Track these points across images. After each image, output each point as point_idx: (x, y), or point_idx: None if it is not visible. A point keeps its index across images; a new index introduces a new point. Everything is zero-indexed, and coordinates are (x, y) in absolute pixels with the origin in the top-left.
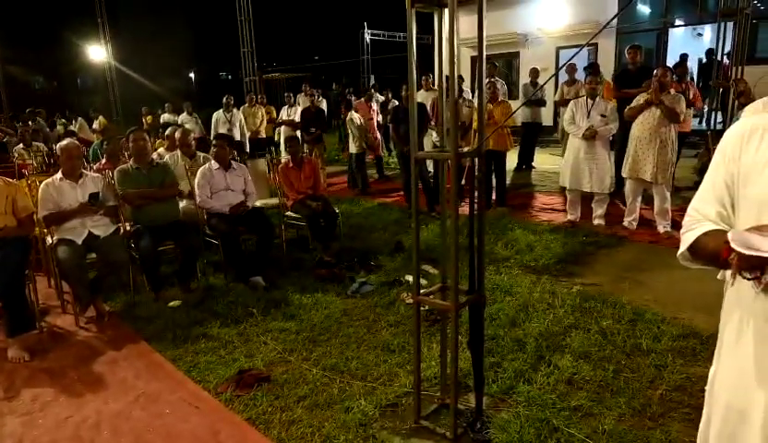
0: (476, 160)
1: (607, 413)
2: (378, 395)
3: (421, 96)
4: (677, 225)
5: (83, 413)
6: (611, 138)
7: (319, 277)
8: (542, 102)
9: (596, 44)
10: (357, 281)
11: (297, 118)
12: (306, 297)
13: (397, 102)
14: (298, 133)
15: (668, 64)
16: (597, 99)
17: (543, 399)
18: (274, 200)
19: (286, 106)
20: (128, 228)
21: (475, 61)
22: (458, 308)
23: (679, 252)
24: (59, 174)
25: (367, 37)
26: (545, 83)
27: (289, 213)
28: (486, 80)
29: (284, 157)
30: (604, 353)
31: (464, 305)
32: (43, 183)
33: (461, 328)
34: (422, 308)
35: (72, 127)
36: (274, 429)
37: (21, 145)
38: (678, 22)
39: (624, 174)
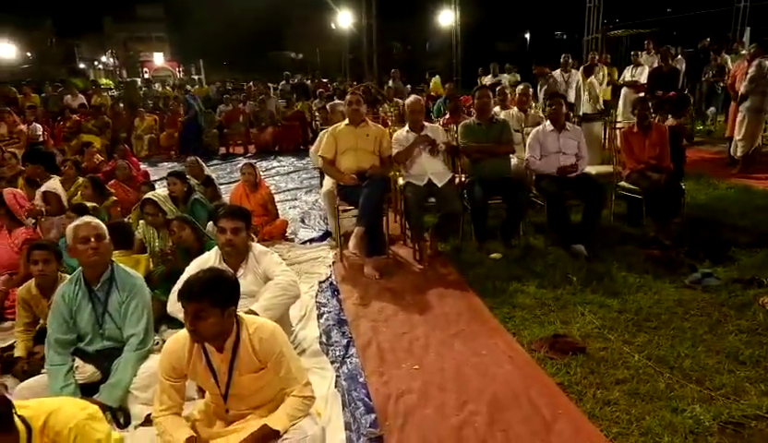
0: None
1: None
2: (718, 407)
3: None
4: None
5: (415, 333)
6: None
7: (651, 258)
8: None
9: None
10: (700, 271)
11: (642, 79)
12: (633, 277)
13: None
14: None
15: None
16: None
17: None
18: (608, 168)
19: (631, 66)
20: (464, 179)
21: None
22: None
23: None
24: (407, 127)
25: None
26: None
27: (623, 183)
28: None
29: (623, 121)
30: None
31: None
32: (397, 133)
33: None
34: None
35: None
36: (587, 403)
37: (386, 102)
38: None
39: None
